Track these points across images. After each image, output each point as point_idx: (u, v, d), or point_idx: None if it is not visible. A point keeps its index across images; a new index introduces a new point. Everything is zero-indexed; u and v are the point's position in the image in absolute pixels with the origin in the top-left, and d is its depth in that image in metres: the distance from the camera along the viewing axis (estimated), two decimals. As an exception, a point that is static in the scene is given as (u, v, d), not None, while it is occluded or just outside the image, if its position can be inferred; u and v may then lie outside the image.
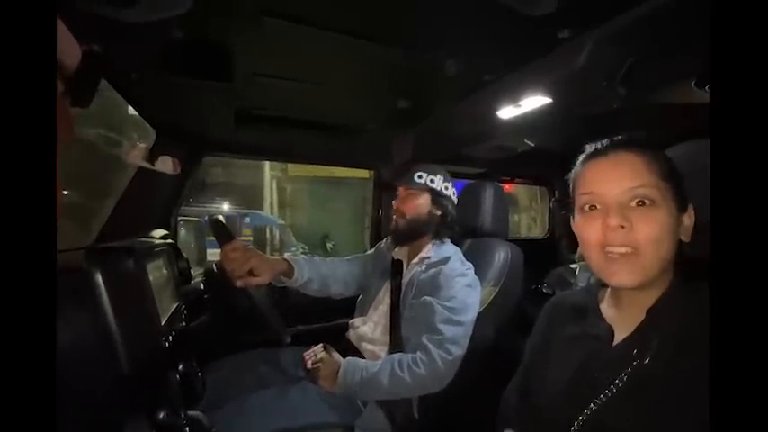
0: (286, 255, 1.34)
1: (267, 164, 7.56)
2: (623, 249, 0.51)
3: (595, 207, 0.54)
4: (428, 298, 1.09)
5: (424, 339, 1.03)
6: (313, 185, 7.48)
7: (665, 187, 0.51)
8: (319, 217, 7.02)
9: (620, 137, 0.56)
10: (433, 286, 1.11)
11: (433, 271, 1.14)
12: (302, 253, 5.44)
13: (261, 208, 7.60)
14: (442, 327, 1.03)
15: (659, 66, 0.80)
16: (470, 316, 1.08)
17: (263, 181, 8.00)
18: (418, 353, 1.03)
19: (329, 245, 6.25)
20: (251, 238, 5.84)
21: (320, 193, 7.23)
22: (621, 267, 0.51)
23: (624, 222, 0.50)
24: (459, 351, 1.03)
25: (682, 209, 0.53)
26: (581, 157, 0.59)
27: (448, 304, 1.06)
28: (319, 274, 1.24)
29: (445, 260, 1.15)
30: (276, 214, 7.57)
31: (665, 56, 0.76)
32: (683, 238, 0.53)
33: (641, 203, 0.51)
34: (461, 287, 1.09)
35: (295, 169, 7.76)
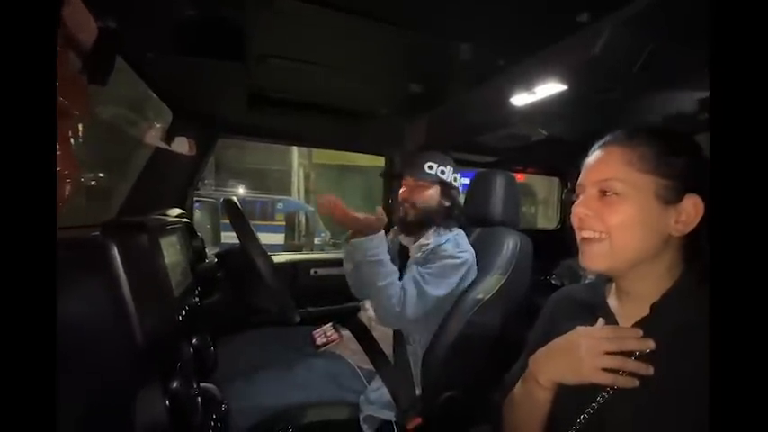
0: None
1: (295, 150, 7.54)
2: (590, 234, 0.55)
3: (579, 196, 0.58)
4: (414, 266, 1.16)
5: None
6: (335, 173, 7.46)
7: (641, 179, 0.52)
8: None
9: (623, 129, 0.57)
10: (423, 262, 1.16)
11: (427, 253, 1.18)
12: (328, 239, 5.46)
13: (289, 193, 7.63)
14: (408, 284, 1.10)
15: (680, 52, 0.77)
16: (440, 291, 1.10)
17: (292, 167, 8.02)
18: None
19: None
20: (283, 223, 5.88)
21: (342, 180, 7.20)
22: (591, 250, 0.55)
23: (588, 211, 0.54)
24: (406, 310, 1.07)
25: (669, 202, 0.52)
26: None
27: (422, 270, 1.12)
28: None
29: (439, 244, 1.17)
30: (302, 200, 7.61)
31: (687, 41, 0.73)
32: (672, 233, 0.52)
33: (604, 194, 0.54)
34: (444, 263, 1.12)
35: (319, 157, 7.74)
